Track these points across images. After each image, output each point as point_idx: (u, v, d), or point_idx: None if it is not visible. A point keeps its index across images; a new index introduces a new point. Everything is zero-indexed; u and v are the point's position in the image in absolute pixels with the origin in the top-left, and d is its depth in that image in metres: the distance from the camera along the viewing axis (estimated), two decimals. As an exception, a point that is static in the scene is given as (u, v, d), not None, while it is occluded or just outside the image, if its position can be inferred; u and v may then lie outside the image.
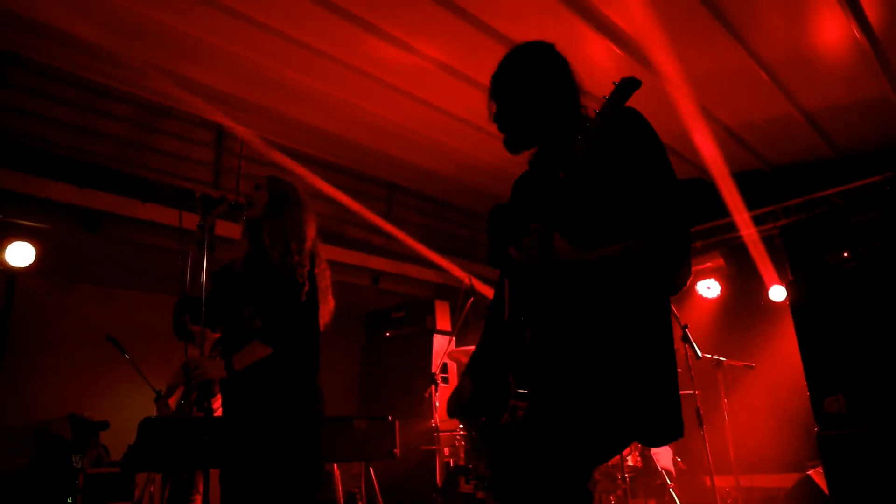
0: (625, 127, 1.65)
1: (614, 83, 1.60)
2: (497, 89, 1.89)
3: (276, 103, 5.70)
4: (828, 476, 3.69)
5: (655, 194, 1.62)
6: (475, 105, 5.45)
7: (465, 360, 5.62)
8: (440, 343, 7.15)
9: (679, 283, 1.65)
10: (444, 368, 6.86)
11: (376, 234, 7.18)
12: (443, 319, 7.45)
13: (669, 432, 1.57)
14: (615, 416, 1.52)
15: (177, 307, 2.63)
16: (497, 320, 1.83)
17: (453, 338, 5.70)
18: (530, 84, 1.82)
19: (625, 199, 1.61)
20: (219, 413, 2.97)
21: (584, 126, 1.61)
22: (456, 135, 6.10)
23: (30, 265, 4.82)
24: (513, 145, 1.90)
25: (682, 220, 1.63)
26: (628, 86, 1.58)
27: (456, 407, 1.86)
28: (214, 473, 2.67)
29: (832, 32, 4.67)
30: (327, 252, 2.86)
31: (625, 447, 1.66)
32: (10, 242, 4.66)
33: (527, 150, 1.92)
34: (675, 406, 1.60)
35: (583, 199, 1.61)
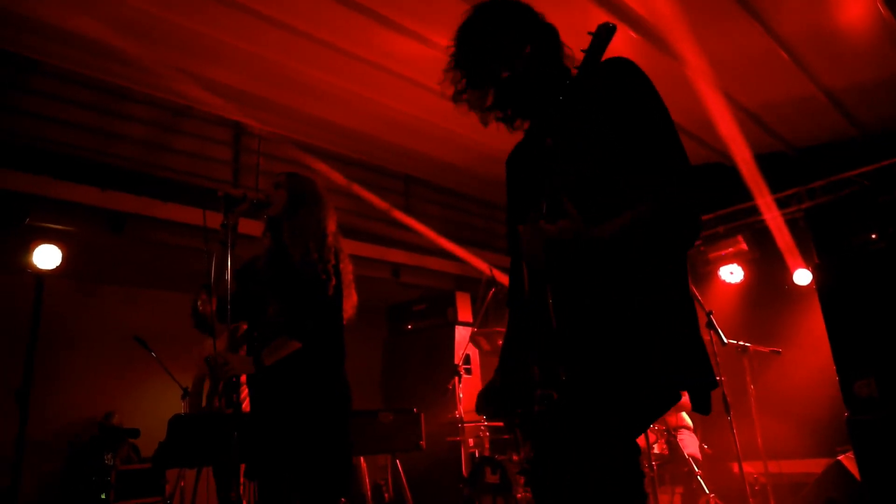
0: (611, 78, 1.56)
1: (590, 33, 1.49)
2: (477, 54, 1.71)
3: (291, 100, 5.72)
4: (859, 461, 3.64)
5: (656, 148, 1.51)
6: (491, 95, 5.47)
7: (485, 344, 5.63)
8: (462, 334, 7.16)
9: (690, 237, 1.56)
10: (467, 360, 6.86)
11: (395, 228, 7.20)
12: (464, 311, 7.45)
13: (707, 385, 1.52)
14: (655, 380, 1.46)
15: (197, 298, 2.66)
16: (518, 308, 1.76)
17: (475, 329, 5.70)
18: (515, 44, 1.68)
19: (623, 159, 1.50)
20: (245, 405, 3.00)
21: (573, 86, 1.52)
22: (470, 124, 6.03)
23: (57, 267, 4.89)
24: (515, 114, 1.76)
25: (689, 173, 1.52)
26: (602, 33, 1.47)
27: (486, 405, 1.83)
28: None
29: (855, 8, 4.56)
30: (346, 246, 2.87)
31: (668, 409, 1.58)
32: (38, 245, 4.74)
33: (519, 120, 1.79)
34: (705, 357, 1.54)
35: (578, 165, 1.51)
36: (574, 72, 1.70)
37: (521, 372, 1.63)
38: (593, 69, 1.48)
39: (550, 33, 1.75)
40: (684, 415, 5.32)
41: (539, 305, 1.53)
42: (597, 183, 1.53)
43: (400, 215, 7.06)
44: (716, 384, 1.52)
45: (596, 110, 1.53)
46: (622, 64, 1.62)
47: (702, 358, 1.52)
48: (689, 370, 1.50)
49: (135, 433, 5.73)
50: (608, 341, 1.47)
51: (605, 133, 1.52)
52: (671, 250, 1.56)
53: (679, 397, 1.54)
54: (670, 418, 5.12)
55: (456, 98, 1.80)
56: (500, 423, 5.32)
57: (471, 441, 5.50)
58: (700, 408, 1.53)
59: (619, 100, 1.55)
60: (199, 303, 4.28)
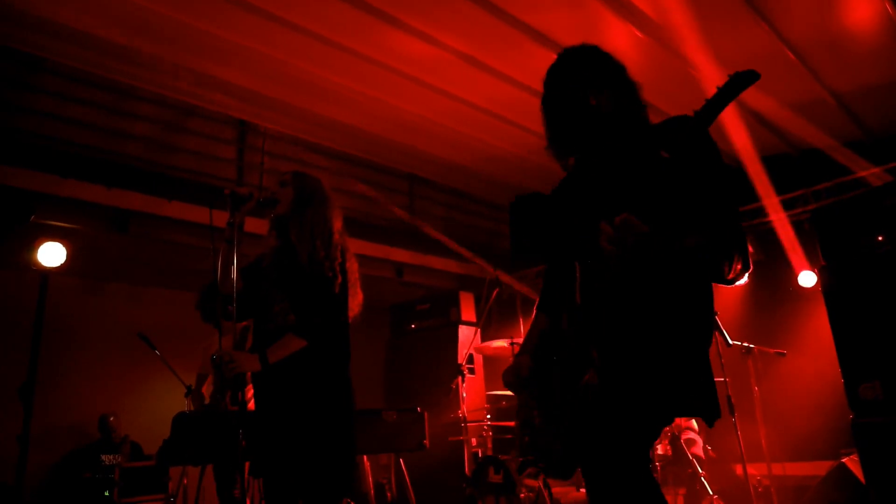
0: (696, 144, 1.70)
1: (729, 75, 1.60)
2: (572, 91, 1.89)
3: (297, 99, 5.72)
4: (864, 464, 3.62)
5: (723, 194, 1.71)
6: (496, 95, 5.48)
7: (490, 353, 5.64)
8: (465, 334, 7.17)
9: (734, 275, 1.73)
10: (471, 359, 6.87)
11: (399, 227, 7.20)
12: (467, 310, 7.45)
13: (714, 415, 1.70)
14: (676, 396, 1.65)
15: (205, 293, 2.67)
16: (557, 303, 1.91)
17: (479, 329, 5.70)
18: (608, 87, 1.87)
19: (696, 194, 1.67)
20: (250, 404, 3.00)
21: (648, 135, 1.73)
22: (477, 125, 6.08)
23: (62, 265, 4.90)
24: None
25: (739, 220, 1.74)
26: (746, 78, 1.59)
27: (515, 380, 1.97)
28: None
29: (863, 10, 4.55)
30: (350, 245, 2.87)
31: (671, 421, 1.79)
32: (43, 243, 4.74)
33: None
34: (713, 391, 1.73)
35: (673, 185, 1.65)
36: (651, 120, 1.91)
37: (555, 357, 1.79)
38: (719, 107, 1.61)
39: (629, 82, 1.93)
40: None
41: (590, 299, 1.71)
42: (674, 205, 1.68)
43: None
44: (717, 414, 1.73)
45: (666, 161, 1.64)
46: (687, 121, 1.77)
47: (712, 385, 1.72)
48: (705, 394, 1.69)
49: (125, 442, 5.82)
50: (649, 346, 1.64)
51: (691, 169, 1.67)
52: (714, 272, 1.72)
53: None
54: (676, 419, 5.11)
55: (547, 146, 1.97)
56: (507, 423, 5.33)
57: (474, 441, 5.50)
58: (709, 422, 1.72)
59: (703, 147, 1.72)
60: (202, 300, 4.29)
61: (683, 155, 1.59)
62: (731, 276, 1.71)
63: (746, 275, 1.74)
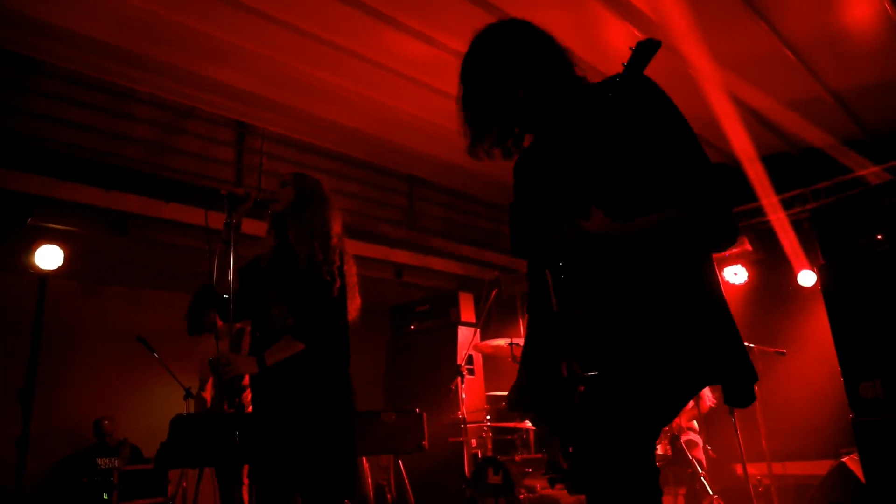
0: (645, 94, 1.60)
1: (630, 48, 1.51)
2: (484, 73, 1.77)
3: (295, 100, 5.71)
4: (864, 463, 3.62)
5: (691, 163, 1.56)
6: (495, 95, 5.45)
7: (489, 352, 5.63)
8: (465, 335, 7.16)
9: (724, 243, 1.61)
10: (470, 360, 6.86)
11: (399, 228, 7.19)
12: (467, 311, 7.45)
13: (747, 377, 1.54)
14: (682, 368, 1.50)
15: (195, 301, 2.68)
16: (541, 310, 1.79)
17: (478, 329, 5.69)
18: (523, 62, 1.75)
19: (656, 168, 1.54)
20: (249, 408, 3.00)
21: (591, 95, 1.60)
22: (475, 126, 6.06)
23: (59, 268, 4.89)
24: (504, 136, 1.84)
25: (722, 187, 1.58)
26: (648, 48, 1.49)
27: (518, 401, 1.85)
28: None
29: (862, 9, 4.55)
30: (349, 247, 2.86)
31: (690, 398, 1.64)
32: (40, 246, 4.74)
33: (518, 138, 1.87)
34: (742, 351, 1.56)
35: (610, 169, 1.55)
36: (586, 81, 1.78)
37: (547, 369, 1.68)
38: (631, 83, 1.52)
39: (553, 50, 1.80)
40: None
41: (566, 303, 1.59)
42: (622, 189, 1.58)
43: None
44: (754, 376, 1.53)
45: (621, 121, 1.56)
46: (652, 83, 1.67)
47: (736, 349, 1.55)
48: (721, 361, 1.53)
49: (124, 445, 5.81)
50: (641, 334, 1.51)
51: (630, 142, 1.56)
52: (704, 249, 1.61)
53: (699, 387, 1.59)
54: (676, 420, 5.10)
55: (471, 146, 1.91)
56: (507, 424, 5.32)
57: (473, 441, 5.49)
58: (732, 399, 1.55)
59: (644, 113, 1.59)
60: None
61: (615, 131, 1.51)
62: (716, 245, 1.59)
63: (734, 237, 1.59)
